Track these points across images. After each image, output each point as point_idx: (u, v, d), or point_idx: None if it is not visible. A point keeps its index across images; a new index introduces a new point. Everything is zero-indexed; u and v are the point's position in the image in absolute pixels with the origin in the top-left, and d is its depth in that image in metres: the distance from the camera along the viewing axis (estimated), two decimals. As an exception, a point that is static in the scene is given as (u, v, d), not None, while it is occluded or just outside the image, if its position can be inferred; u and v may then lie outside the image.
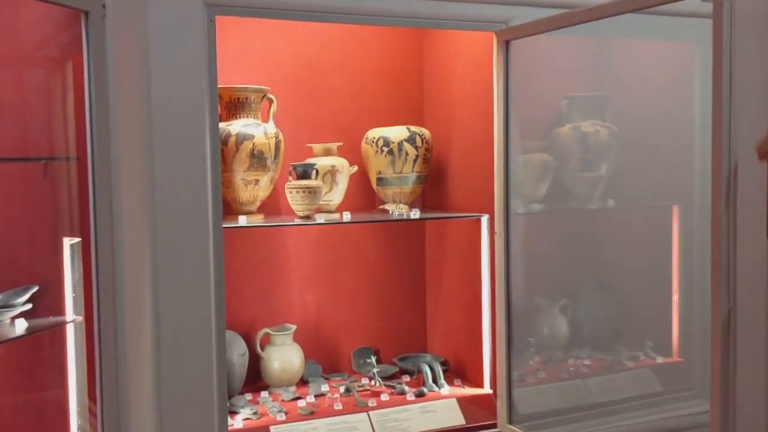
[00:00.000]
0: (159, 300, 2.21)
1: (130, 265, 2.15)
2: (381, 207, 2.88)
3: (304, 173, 2.66)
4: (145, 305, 2.18)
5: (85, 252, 2.11)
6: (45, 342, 2.25)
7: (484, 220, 2.77)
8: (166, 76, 2.20)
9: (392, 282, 3.19)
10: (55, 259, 2.18)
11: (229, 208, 2.76)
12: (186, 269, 2.25)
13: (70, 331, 2.19)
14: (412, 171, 2.88)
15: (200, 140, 2.27)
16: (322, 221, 2.65)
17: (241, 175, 2.67)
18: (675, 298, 3.02)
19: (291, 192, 2.64)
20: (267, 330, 2.86)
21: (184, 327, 2.24)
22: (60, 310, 2.18)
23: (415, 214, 2.77)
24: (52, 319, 2.18)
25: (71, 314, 2.18)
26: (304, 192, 2.62)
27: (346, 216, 2.74)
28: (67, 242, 2.18)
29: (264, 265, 3.00)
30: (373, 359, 2.95)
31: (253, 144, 2.65)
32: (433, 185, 3.12)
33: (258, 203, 2.77)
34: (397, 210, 2.81)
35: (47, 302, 2.16)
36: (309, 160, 2.81)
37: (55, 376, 2.24)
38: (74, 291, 2.18)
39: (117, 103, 2.12)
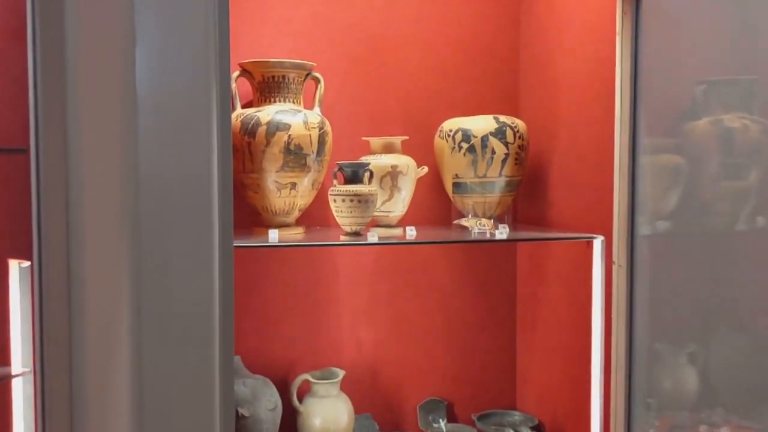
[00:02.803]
0: (141, 348, 1.61)
1: (96, 300, 1.54)
2: (457, 222, 2.19)
3: (354, 175, 1.99)
4: (119, 356, 1.57)
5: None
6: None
7: (598, 243, 2.05)
8: (158, 42, 1.59)
9: (472, 317, 2.50)
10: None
11: (259, 218, 2.14)
12: (179, 305, 1.63)
13: (17, 388, 1.60)
14: (500, 174, 2.18)
15: (204, 131, 1.64)
16: (375, 240, 1.98)
17: (273, 176, 2.03)
18: None
19: (335, 200, 1.98)
20: (307, 376, 2.23)
21: (175, 386, 1.62)
22: (5, 359, 1.60)
23: (503, 232, 2.06)
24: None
25: (19, 365, 1.60)
26: (351, 200, 1.96)
27: (410, 233, 2.07)
28: (16, 266, 1.60)
29: (306, 292, 2.36)
30: (444, 419, 2.36)
31: (289, 136, 2.01)
32: (528, 194, 2.40)
33: (296, 213, 2.13)
34: (478, 226, 2.11)
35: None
36: (363, 159, 2.15)
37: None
38: (23, 332, 1.59)
39: (81, 78, 1.51)
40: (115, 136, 1.56)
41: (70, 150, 1.49)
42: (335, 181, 2.01)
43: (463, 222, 2.15)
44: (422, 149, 2.32)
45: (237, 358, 2.21)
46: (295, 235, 2.12)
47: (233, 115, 2.08)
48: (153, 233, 1.63)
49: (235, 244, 1.77)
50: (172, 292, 1.65)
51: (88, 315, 1.50)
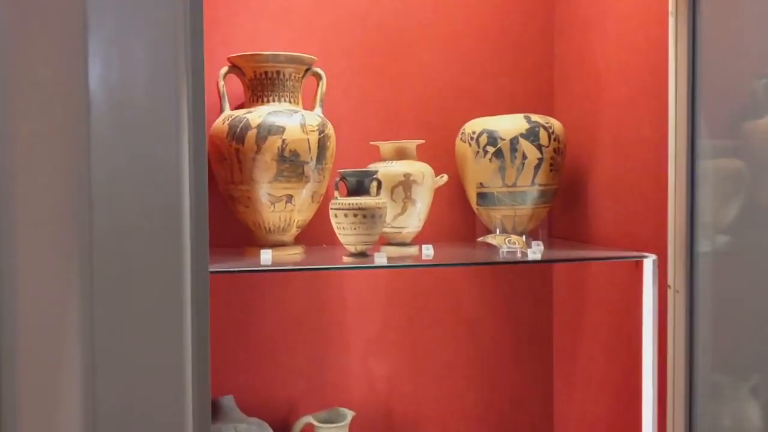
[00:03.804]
0: (93, 397, 1.33)
1: (32, 343, 1.26)
2: (482, 239, 1.87)
3: (358, 186, 1.70)
4: (66, 404, 1.29)
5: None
6: None
7: (649, 263, 1.73)
8: (114, 31, 1.32)
9: (502, 348, 2.18)
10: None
11: (252, 236, 1.85)
12: (142, 342, 1.36)
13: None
14: (533, 183, 1.87)
15: (171, 135, 1.37)
16: (383, 262, 1.67)
17: (265, 188, 1.74)
18: None
19: (336, 215, 1.68)
20: (310, 418, 1.93)
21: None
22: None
23: (536, 251, 1.74)
24: None
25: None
26: (355, 215, 1.66)
27: (427, 253, 1.76)
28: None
29: (309, 319, 2.06)
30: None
31: (283, 141, 1.72)
32: (566, 205, 2.08)
33: (294, 230, 1.84)
34: (507, 245, 1.79)
35: None
36: (372, 166, 1.85)
37: None
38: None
39: (13, 73, 1.24)
40: (59, 141, 1.28)
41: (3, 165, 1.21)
42: (336, 193, 1.72)
43: (489, 239, 1.84)
44: (441, 154, 2.01)
45: (229, 398, 1.92)
46: (292, 255, 1.82)
47: (220, 118, 1.80)
48: (107, 259, 1.35)
49: (211, 270, 1.47)
50: (131, 328, 1.37)
51: (19, 366, 1.21)
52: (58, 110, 1.27)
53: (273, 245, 1.81)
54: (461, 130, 1.96)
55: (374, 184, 1.73)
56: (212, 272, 1.47)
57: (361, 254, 1.71)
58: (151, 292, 1.37)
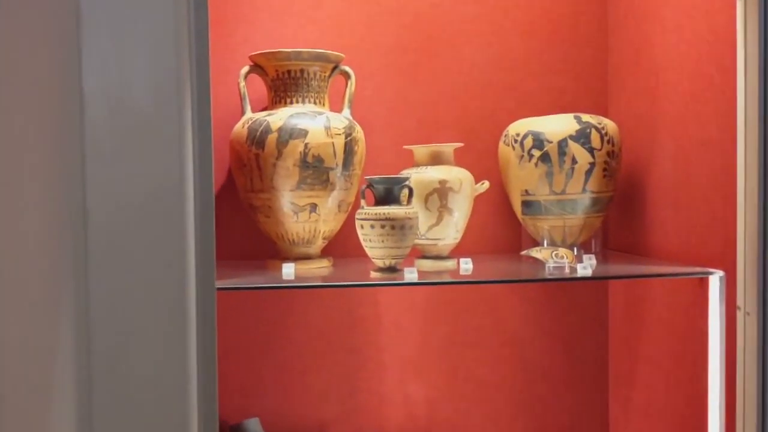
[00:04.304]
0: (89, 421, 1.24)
1: (26, 367, 1.15)
2: (527, 253, 1.69)
3: (387, 194, 1.55)
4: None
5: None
6: None
7: (715, 280, 1.53)
8: (111, 35, 1.23)
9: (552, 371, 1.99)
10: None
11: (275, 248, 1.72)
12: (142, 366, 1.26)
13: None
14: (584, 190, 1.68)
15: (173, 139, 1.27)
16: (413, 278, 1.51)
17: (287, 196, 1.60)
18: None
19: (362, 226, 1.54)
20: (340, 445, 1.78)
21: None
22: None
23: (587, 267, 1.56)
24: None
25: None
26: (383, 226, 1.51)
27: (465, 267, 1.60)
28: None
29: (340, 337, 1.92)
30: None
31: (306, 145, 1.58)
32: (621, 215, 1.90)
33: (320, 242, 1.69)
34: (555, 259, 1.62)
35: None
36: (404, 172, 1.69)
37: None
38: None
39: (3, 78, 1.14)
40: (49, 147, 1.17)
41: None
42: (363, 202, 1.57)
43: (534, 253, 1.66)
44: (482, 159, 1.86)
45: (255, 421, 1.80)
46: (318, 269, 1.68)
47: (240, 122, 1.67)
48: (104, 279, 1.24)
49: (218, 286, 1.35)
50: (129, 350, 1.26)
51: (12, 387, 1.10)
52: (48, 114, 1.15)
53: (297, 258, 1.68)
54: (504, 133, 1.79)
55: (405, 191, 1.57)
56: (220, 289, 1.35)
57: (391, 269, 1.56)
58: (150, 313, 1.25)
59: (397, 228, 1.51)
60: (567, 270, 1.59)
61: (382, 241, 1.51)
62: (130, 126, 1.22)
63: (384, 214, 1.51)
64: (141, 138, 1.22)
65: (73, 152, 1.20)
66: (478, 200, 1.76)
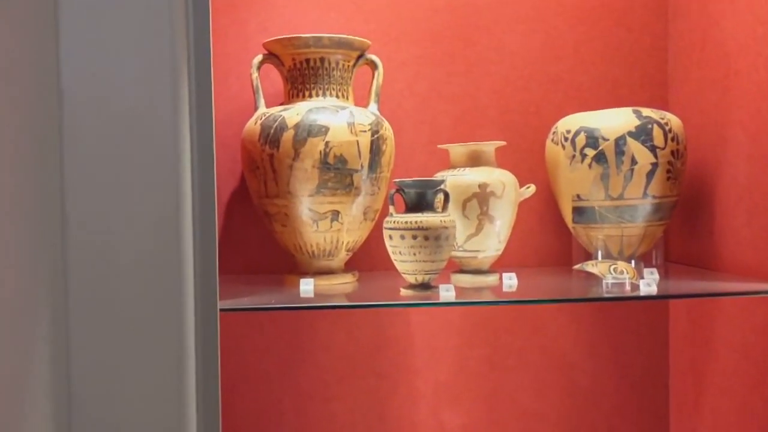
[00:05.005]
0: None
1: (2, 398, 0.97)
2: (580, 267, 1.47)
3: (419, 199, 1.34)
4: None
5: None
6: None
7: (803, 299, 1.30)
8: (91, 25, 1.06)
9: (606, 397, 1.78)
10: None
11: (293, 261, 1.52)
12: (134, 395, 1.09)
13: None
14: (645, 194, 1.47)
15: (167, 141, 1.09)
16: (450, 297, 1.31)
17: (306, 202, 1.41)
18: None
19: (391, 236, 1.34)
20: (367, 482, 1.58)
21: None
22: None
23: (651, 283, 1.35)
24: None
25: None
26: (414, 237, 1.30)
27: (509, 283, 1.39)
28: None
29: (367, 359, 1.72)
30: None
31: (326, 143, 1.38)
32: (687, 222, 1.67)
33: (343, 254, 1.50)
34: (613, 274, 1.40)
35: None
36: (439, 175, 1.49)
37: None
38: None
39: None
40: (23, 145, 1.00)
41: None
42: (392, 209, 1.37)
43: (589, 267, 1.44)
44: (527, 160, 1.66)
45: (270, 454, 1.60)
46: (342, 285, 1.49)
47: (253, 118, 1.48)
48: (87, 298, 1.07)
49: (222, 307, 1.16)
50: (115, 394, 1.08)
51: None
52: (23, 113, 0.97)
53: (318, 272, 1.48)
54: (553, 129, 1.58)
55: (440, 197, 1.37)
56: (224, 310, 1.16)
57: (424, 285, 1.35)
58: (137, 343, 1.06)
59: (431, 239, 1.30)
60: (628, 287, 1.38)
61: (414, 254, 1.31)
62: (116, 126, 1.04)
63: (416, 222, 1.31)
64: (128, 140, 1.03)
65: (52, 159, 1.02)
66: (523, 206, 1.55)
